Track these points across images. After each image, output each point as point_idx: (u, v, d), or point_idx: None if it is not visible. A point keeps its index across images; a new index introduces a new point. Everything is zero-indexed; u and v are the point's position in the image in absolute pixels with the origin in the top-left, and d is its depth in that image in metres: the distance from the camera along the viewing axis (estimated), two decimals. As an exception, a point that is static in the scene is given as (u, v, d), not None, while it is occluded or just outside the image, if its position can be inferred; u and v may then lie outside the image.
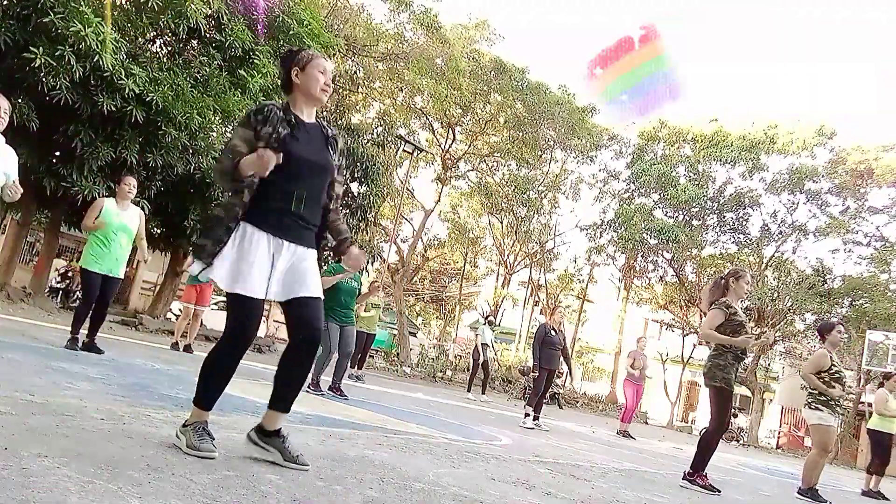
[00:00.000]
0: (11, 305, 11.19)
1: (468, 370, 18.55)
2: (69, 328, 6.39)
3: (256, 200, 2.67)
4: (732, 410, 5.92)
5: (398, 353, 23.50)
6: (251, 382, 6.10)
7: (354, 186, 18.15)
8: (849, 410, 24.62)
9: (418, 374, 20.68)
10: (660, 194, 25.40)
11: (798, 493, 6.23)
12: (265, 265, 2.65)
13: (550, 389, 10.56)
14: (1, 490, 1.64)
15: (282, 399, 2.76)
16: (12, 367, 4.05)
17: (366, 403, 7.13)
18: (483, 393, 14.33)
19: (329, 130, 2.94)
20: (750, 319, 23.16)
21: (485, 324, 15.67)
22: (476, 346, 14.34)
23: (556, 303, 28.13)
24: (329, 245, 2.97)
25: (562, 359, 9.55)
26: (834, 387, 6.15)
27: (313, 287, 2.76)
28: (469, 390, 14.43)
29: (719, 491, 5.01)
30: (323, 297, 2.86)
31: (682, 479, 5.15)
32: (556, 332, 9.27)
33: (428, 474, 3.19)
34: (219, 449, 2.58)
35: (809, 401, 6.26)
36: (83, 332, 6.30)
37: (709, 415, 5.34)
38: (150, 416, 3.25)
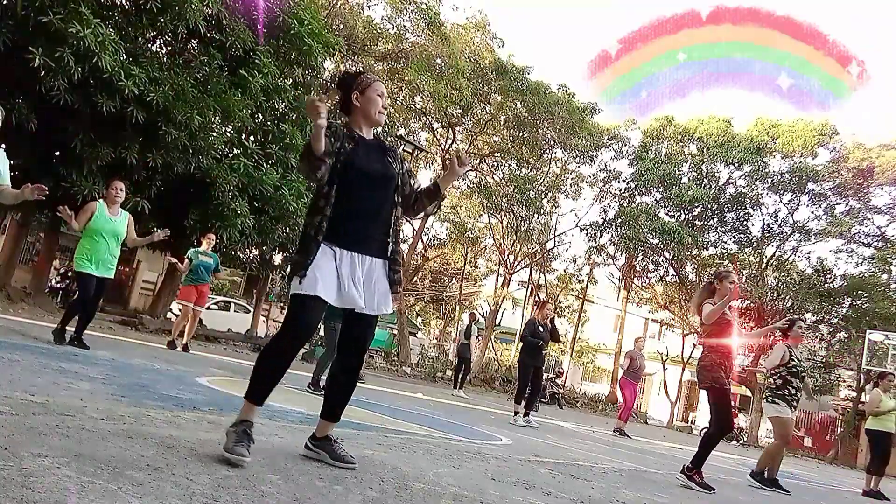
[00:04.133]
0: (11, 305, 11.19)
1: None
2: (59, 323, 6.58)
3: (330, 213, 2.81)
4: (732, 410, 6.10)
5: (398, 353, 23.48)
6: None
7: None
8: (849, 410, 24.63)
9: (418, 374, 20.68)
10: (662, 193, 25.36)
11: (750, 475, 6.75)
12: (332, 272, 2.78)
13: (550, 389, 10.54)
14: (1, 490, 1.64)
15: (327, 409, 3.03)
16: (12, 367, 4.05)
17: (366, 403, 7.12)
18: (459, 388, 14.46)
19: (387, 143, 3.10)
20: (750, 319, 23.18)
21: (469, 321, 15.87)
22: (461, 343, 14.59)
23: (554, 300, 28.07)
24: (438, 197, 3.19)
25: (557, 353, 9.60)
26: (791, 381, 6.58)
27: (370, 303, 2.87)
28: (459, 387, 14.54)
29: (713, 489, 5.05)
30: (383, 313, 2.97)
31: (680, 472, 5.21)
32: (544, 328, 9.24)
33: (428, 474, 3.19)
34: (219, 449, 2.58)
35: (767, 394, 6.76)
36: (70, 329, 6.48)
37: (709, 415, 5.42)
38: (150, 416, 3.24)
